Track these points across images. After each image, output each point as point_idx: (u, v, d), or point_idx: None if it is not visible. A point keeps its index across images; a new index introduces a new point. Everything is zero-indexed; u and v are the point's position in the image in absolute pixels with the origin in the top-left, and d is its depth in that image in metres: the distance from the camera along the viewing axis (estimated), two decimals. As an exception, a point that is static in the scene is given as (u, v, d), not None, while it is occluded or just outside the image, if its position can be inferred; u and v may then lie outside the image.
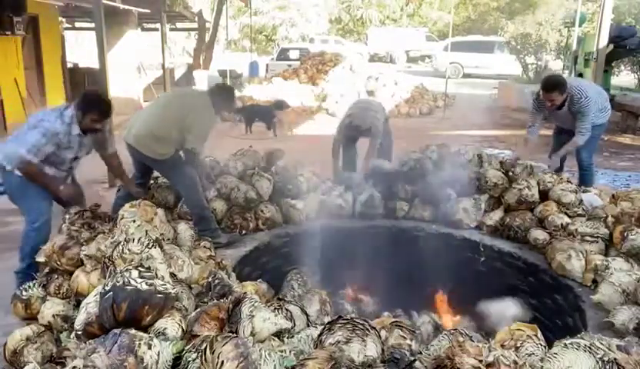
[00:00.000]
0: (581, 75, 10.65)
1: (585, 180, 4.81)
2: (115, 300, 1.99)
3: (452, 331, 2.18)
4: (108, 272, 2.31)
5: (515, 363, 1.75)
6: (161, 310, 2.09)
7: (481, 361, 1.72)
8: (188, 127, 3.60)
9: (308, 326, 2.36)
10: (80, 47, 20.02)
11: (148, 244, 2.46)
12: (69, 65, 14.32)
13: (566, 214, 3.76)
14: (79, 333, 2.11)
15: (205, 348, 1.79)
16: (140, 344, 1.81)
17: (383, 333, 2.14)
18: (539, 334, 2.08)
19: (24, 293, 2.69)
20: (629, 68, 18.80)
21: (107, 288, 2.05)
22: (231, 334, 1.91)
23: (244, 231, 3.95)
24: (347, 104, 5.76)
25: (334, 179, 4.70)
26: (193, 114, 3.62)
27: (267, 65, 20.38)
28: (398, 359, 1.98)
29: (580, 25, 13.09)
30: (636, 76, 18.95)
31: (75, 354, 1.99)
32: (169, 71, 13.53)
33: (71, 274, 2.76)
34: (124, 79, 12.36)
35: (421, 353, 2.08)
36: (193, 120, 3.62)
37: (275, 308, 2.30)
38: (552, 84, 4.40)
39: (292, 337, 2.22)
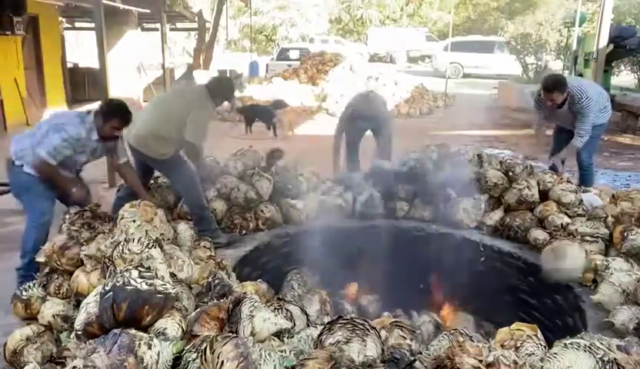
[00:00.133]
0: (581, 75, 10.65)
1: (585, 180, 4.82)
2: (115, 300, 1.99)
3: (452, 331, 2.17)
4: (108, 272, 2.31)
5: (515, 363, 1.75)
6: (161, 310, 2.09)
7: (481, 361, 1.72)
8: (187, 124, 3.61)
9: (308, 326, 2.36)
10: (80, 47, 20.06)
11: (148, 244, 2.46)
12: (69, 65, 14.35)
13: (566, 214, 3.76)
14: (79, 333, 2.11)
15: (205, 348, 1.79)
16: (140, 344, 1.81)
17: (383, 333, 2.13)
18: (539, 333, 2.08)
19: (24, 293, 2.69)
20: (629, 68, 18.83)
21: (107, 288, 2.05)
22: (231, 334, 1.91)
23: (244, 231, 3.95)
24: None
25: (334, 176, 4.69)
26: (193, 113, 3.63)
27: (267, 65, 20.38)
28: (398, 359, 1.98)
29: (580, 25, 13.11)
30: (636, 76, 18.98)
31: (75, 354, 1.99)
32: (169, 71, 13.55)
33: (71, 274, 2.76)
34: (124, 79, 12.39)
35: (421, 353, 2.08)
36: (193, 117, 3.62)
37: (275, 308, 2.29)
38: (553, 84, 4.44)
39: (292, 337, 2.21)
